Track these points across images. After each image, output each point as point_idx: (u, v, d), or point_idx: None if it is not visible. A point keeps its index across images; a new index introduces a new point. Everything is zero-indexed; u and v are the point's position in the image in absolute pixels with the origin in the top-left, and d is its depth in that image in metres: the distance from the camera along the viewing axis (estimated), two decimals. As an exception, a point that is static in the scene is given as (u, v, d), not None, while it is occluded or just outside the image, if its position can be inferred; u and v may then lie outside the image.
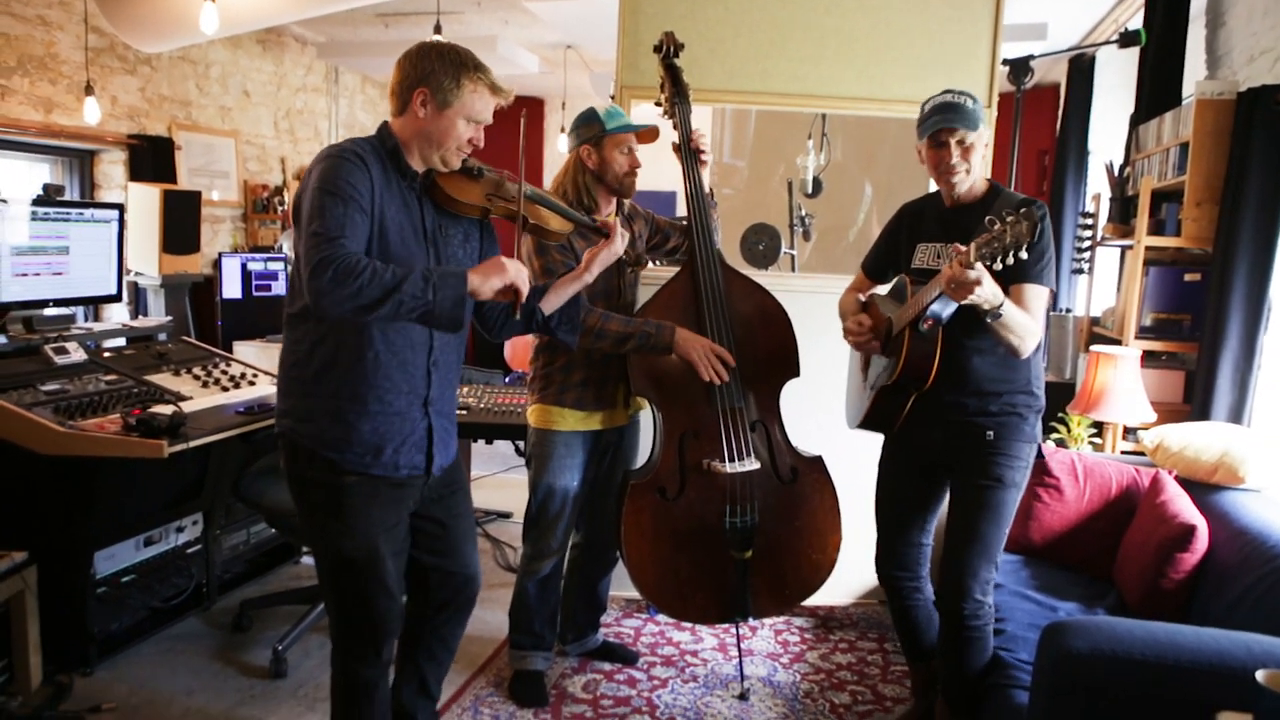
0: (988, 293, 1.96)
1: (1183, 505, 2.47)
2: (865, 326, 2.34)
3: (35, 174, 4.97)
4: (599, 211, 2.58)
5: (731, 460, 2.51)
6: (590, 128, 2.53)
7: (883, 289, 2.51)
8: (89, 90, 4.52)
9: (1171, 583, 2.37)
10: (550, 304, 2.19)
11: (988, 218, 1.89)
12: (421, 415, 2.00)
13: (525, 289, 1.87)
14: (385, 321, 1.86)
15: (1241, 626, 1.90)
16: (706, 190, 2.63)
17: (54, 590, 2.70)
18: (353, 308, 1.71)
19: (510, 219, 1.99)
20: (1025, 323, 2.09)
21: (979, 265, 1.91)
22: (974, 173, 2.24)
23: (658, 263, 3.01)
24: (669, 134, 2.67)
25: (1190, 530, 2.37)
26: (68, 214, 3.43)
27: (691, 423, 2.53)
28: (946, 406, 2.26)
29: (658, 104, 2.75)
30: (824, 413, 2.82)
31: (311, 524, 2.01)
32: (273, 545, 3.64)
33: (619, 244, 2.21)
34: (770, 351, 2.61)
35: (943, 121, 2.18)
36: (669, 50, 2.67)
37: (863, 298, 2.50)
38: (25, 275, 3.24)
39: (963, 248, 1.93)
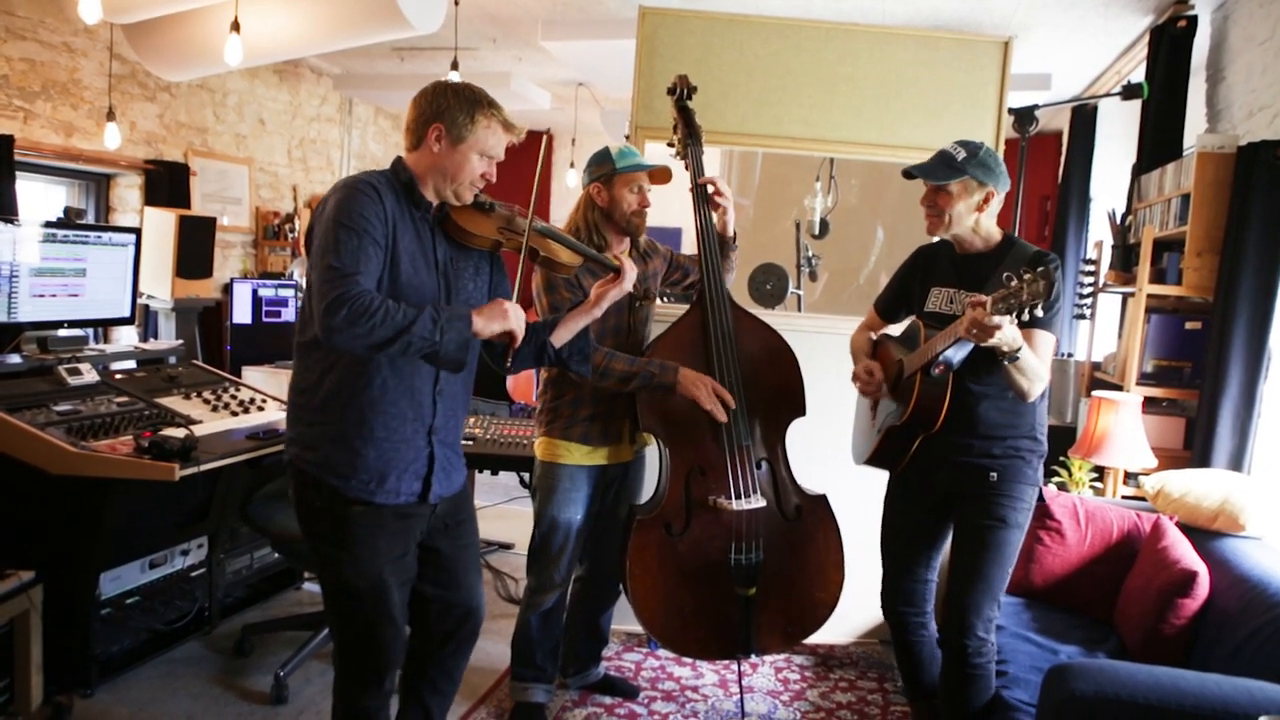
0: (1009, 336, 2.01)
1: (1184, 551, 2.49)
2: (875, 379, 2.40)
3: (53, 196, 5.05)
4: (610, 249, 2.62)
5: (738, 497, 2.53)
6: (601, 166, 2.59)
7: (894, 329, 2.55)
8: (110, 116, 4.60)
9: (1172, 628, 2.38)
10: (560, 337, 2.21)
11: (1005, 274, 1.93)
12: (425, 443, 2.01)
13: (520, 334, 1.93)
14: (393, 357, 1.90)
15: (1243, 673, 1.92)
16: (730, 234, 2.67)
17: (59, 610, 2.71)
18: (364, 345, 1.77)
19: (520, 252, 2.03)
20: (1037, 367, 2.15)
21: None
22: (957, 222, 2.29)
23: (668, 299, 3.05)
24: (683, 174, 2.72)
25: (1191, 576, 2.39)
26: (86, 237, 3.48)
27: (698, 459, 2.56)
28: (952, 447, 2.30)
29: (670, 145, 2.80)
30: (828, 451, 2.84)
31: (317, 552, 2.03)
32: (276, 570, 3.64)
33: (628, 281, 2.23)
34: (777, 390, 2.64)
35: (913, 168, 2.29)
36: (682, 93, 2.73)
37: (874, 336, 2.55)
38: (42, 296, 3.29)
39: (982, 298, 1.98)
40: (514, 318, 1.91)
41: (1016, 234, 3.00)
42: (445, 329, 1.80)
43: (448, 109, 1.92)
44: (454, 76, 4.61)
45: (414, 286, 1.92)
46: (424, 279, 1.95)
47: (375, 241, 1.84)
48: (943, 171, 2.25)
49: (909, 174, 2.31)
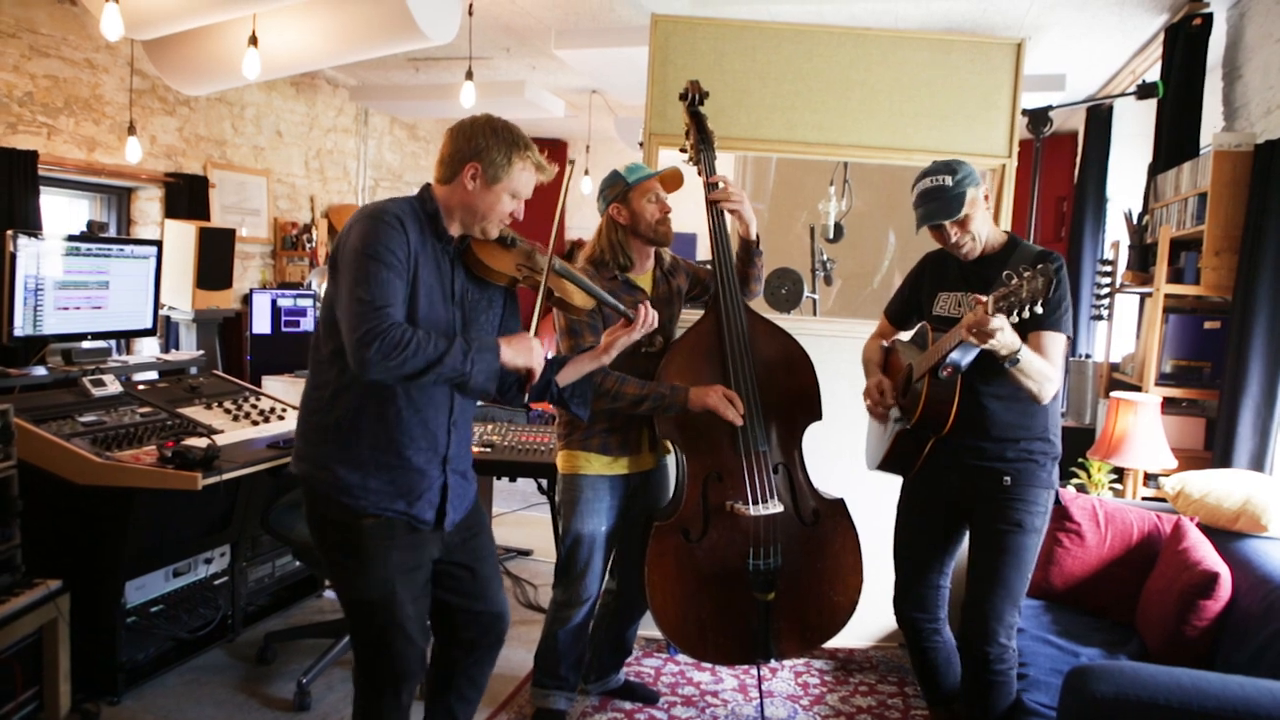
0: (1005, 339, 2.02)
1: (1205, 552, 2.48)
2: (886, 397, 2.39)
3: (76, 210, 5.12)
4: (635, 267, 2.63)
5: (755, 503, 2.53)
6: (614, 186, 2.60)
7: (905, 335, 2.56)
8: (131, 130, 4.67)
9: (1194, 630, 2.37)
10: (566, 378, 2.23)
11: (1005, 273, 1.95)
12: (439, 472, 2.02)
13: (539, 371, 1.98)
14: (410, 389, 1.93)
15: (1266, 674, 1.91)
16: (753, 237, 2.65)
17: (85, 619, 2.75)
18: (397, 377, 1.82)
19: (537, 290, 2.04)
20: (1043, 369, 2.14)
21: (998, 315, 1.97)
22: (982, 233, 2.29)
23: (688, 305, 3.05)
24: (696, 180, 2.73)
25: (1213, 578, 2.37)
26: (109, 250, 3.54)
27: (715, 465, 2.56)
28: (964, 451, 2.30)
29: (683, 150, 2.82)
30: (845, 455, 2.84)
31: (330, 563, 2.05)
32: (297, 578, 3.67)
33: (639, 330, 2.22)
34: (793, 395, 2.64)
35: (926, 218, 2.26)
36: (694, 98, 2.74)
37: (885, 344, 2.56)
38: (66, 309, 3.35)
39: (983, 298, 1.99)
40: (537, 356, 1.95)
41: (1032, 235, 3.00)
42: (475, 360, 1.85)
43: (485, 150, 1.93)
44: (469, 87, 4.66)
45: (430, 320, 1.93)
46: (440, 312, 1.96)
47: (400, 274, 1.86)
48: (953, 205, 2.22)
49: (927, 225, 2.27)
